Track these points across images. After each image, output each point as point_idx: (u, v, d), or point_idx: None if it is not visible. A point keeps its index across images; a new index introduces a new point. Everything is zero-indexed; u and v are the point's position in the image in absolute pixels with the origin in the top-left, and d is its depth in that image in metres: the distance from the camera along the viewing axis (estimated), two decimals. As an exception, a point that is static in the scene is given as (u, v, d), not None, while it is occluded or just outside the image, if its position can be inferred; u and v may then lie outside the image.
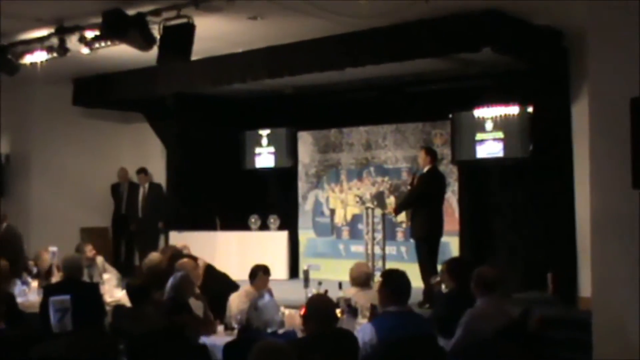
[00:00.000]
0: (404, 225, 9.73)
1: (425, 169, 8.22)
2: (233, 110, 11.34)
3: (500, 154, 8.94)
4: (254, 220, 10.87)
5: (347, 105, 10.58)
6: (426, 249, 8.03)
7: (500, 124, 8.92)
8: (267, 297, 5.43)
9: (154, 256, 6.86)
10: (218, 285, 6.85)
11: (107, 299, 6.62)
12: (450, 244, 9.23)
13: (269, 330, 5.13)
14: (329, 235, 10.69)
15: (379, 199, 10.02)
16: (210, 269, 7.02)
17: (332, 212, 10.68)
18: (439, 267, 6.07)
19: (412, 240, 8.49)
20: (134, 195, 11.18)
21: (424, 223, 8.06)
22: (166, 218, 11.04)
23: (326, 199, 10.76)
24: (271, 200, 11.37)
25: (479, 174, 9.49)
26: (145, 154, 11.58)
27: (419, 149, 9.23)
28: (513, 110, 8.84)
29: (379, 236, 8.78)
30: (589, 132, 5.34)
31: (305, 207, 10.96)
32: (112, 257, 10.55)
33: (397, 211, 8.69)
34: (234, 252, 10.35)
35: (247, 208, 11.01)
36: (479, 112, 9.07)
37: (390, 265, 8.17)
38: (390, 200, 10.01)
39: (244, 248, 10.52)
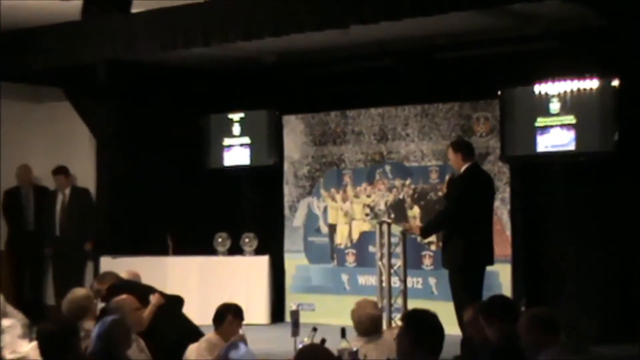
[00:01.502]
0: (433, 247, 9.69)
1: (462, 170, 8.11)
2: (192, 85, 11.34)
3: (571, 147, 8.93)
4: (221, 240, 10.83)
5: (353, 79, 10.57)
6: (464, 282, 7.93)
7: (572, 104, 8.89)
8: (242, 347, 5.43)
9: (79, 292, 6.82)
10: (173, 331, 6.87)
11: (7, 355, 6.54)
12: (500, 275, 9.21)
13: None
14: (327, 262, 10.66)
15: (398, 210, 9.91)
16: (166, 309, 7.09)
17: (332, 228, 10.66)
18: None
19: (444, 269, 8.38)
20: (47, 204, 11.10)
21: (461, 246, 7.95)
22: (96, 237, 10.98)
23: (323, 210, 10.74)
24: (246, 213, 11.38)
25: (540, 175, 9.47)
26: (65, 146, 11.49)
27: (454, 139, 9.14)
28: (590, 84, 8.82)
29: (397, 263, 8.69)
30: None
31: (294, 222, 10.93)
32: (12, 293, 10.29)
33: (424, 232, 8.58)
34: (193, 285, 10.30)
35: (212, 223, 11.00)
36: (540, 88, 9.06)
37: (414, 303, 8.08)
38: (414, 212, 9.95)
39: (208, 280, 10.50)
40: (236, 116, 11.23)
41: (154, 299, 7.08)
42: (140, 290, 7.07)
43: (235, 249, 10.80)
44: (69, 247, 10.91)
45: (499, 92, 9.31)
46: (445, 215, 8.25)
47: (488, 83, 9.36)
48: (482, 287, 7.95)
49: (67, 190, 11.10)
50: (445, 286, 8.43)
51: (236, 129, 11.24)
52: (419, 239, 9.32)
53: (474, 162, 8.22)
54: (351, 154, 10.57)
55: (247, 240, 10.74)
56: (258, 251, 10.74)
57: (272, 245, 10.85)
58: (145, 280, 7.97)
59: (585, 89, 8.81)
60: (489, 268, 8.18)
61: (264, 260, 10.63)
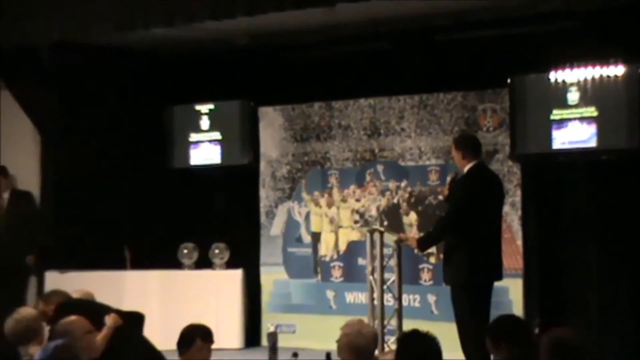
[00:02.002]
0: (432, 259, 9.73)
1: (465, 170, 8.07)
2: (153, 72, 11.34)
3: (592, 144, 8.96)
4: (187, 251, 10.85)
5: (340, 65, 10.56)
6: (469, 300, 7.90)
7: (593, 94, 8.92)
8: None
9: (27, 311, 6.77)
10: (132, 358, 6.95)
11: None
12: (509, 291, 9.27)
13: None
14: (310, 276, 10.69)
15: (392, 216, 9.90)
16: (124, 331, 7.06)
17: (316, 238, 10.70)
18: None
19: (445, 285, 8.37)
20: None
21: (464, 258, 7.90)
22: (40, 248, 10.88)
23: (306, 216, 10.76)
24: (216, 220, 11.36)
25: (556, 176, 9.50)
26: (4, 142, 11.34)
27: (456, 134, 9.16)
28: (614, 71, 8.83)
29: (391, 277, 8.66)
30: None
31: (272, 231, 10.96)
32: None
33: (422, 244, 8.51)
34: (155, 304, 10.31)
35: (176, 232, 11.03)
36: (556, 75, 9.09)
37: (410, 324, 8.02)
38: (410, 219, 9.99)
39: (171, 297, 10.53)
40: (204, 108, 11.23)
41: (109, 320, 7.04)
42: (93, 310, 6.99)
43: (204, 262, 10.79)
44: (8, 259, 10.81)
45: (509, 80, 9.34)
46: (445, 223, 8.17)
47: (496, 69, 9.37)
48: (490, 305, 7.91)
49: (6, 193, 11.02)
50: (447, 305, 8.39)
51: (204, 122, 11.25)
52: (416, 250, 9.28)
53: (479, 161, 8.15)
54: (337, 151, 10.59)
55: (217, 251, 10.73)
56: (230, 264, 10.73)
57: (246, 258, 10.84)
58: (99, 298, 7.92)
59: (608, 77, 8.82)
60: (497, 283, 8.12)
61: (236, 275, 10.62)
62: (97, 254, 10.59)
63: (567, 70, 9.03)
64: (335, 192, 10.57)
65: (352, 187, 10.46)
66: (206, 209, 11.40)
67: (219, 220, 11.32)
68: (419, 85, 10.10)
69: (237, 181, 11.28)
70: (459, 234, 7.91)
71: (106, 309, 7.26)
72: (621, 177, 8.99)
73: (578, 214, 9.29)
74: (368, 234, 8.84)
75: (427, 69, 10.04)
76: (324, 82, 10.66)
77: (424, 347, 4.65)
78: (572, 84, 9.01)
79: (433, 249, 9.34)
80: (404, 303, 8.88)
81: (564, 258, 9.35)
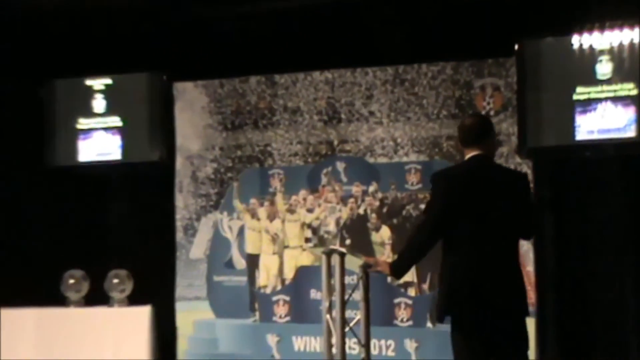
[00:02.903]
0: (411, 291, 9.91)
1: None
2: (27, 33, 11.26)
3: (629, 133, 9.14)
4: (74, 281, 10.82)
5: (286, 25, 10.62)
6: (461, 345, 7.78)
7: (630, 66, 9.16)
8: None
9: None
10: None
11: None
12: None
13: None
14: (244, 315, 10.82)
15: (357, 233, 9.86)
16: None
17: (253, 262, 10.83)
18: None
19: (431, 326, 8.28)
20: None
21: (446, 283, 7.75)
22: None
23: (238, 233, 10.89)
24: (114, 238, 11.41)
25: (580, 176, 9.68)
26: None
27: (444, 120, 9.09)
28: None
29: (356, 316, 8.55)
30: None
31: (192, 252, 11.07)
32: None
33: (395, 269, 8.36)
34: (30, 352, 10.41)
35: (58, 255, 10.97)
36: (581, 40, 9.31)
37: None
38: (382, 236, 10.07)
39: (53, 344, 10.51)
40: (98, 83, 11.28)
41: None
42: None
43: (97, 296, 10.68)
44: None
45: (517, 46, 9.52)
46: (418, 232, 7.92)
47: (500, 32, 9.53)
48: (504, 350, 7.71)
49: None
50: (431, 352, 8.39)
51: (99, 103, 11.26)
52: (389, 278, 9.20)
53: (480, 152, 7.96)
54: (283, 143, 10.72)
55: (116, 281, 10.68)
56: (134, 299, 10.66)
57: (156, 290, 10.90)
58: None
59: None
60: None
61: (142, 314, 10.53)
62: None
63: (595, 33, 9.08)
64: (279, 199, 10.66)
65: (303, 192, 10.60)
66: (101, 222, 11.34)
67: (118, 239, 11.26)
68: (394, 54, 10.18)
69: (144, 184, 11.26)
70: (444, 248, 7.71)
71: None
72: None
73: (610, 227, 9.35)
74: (324, 257, 8.71)
75: (405, 31, 10.02)
76: (263, 48, 10.64)
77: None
78: (601, 52, 9.14)
79: (412, 277, 9.27)
80: (374, 351, 8.92)
81: (592, 288, 9.41)
